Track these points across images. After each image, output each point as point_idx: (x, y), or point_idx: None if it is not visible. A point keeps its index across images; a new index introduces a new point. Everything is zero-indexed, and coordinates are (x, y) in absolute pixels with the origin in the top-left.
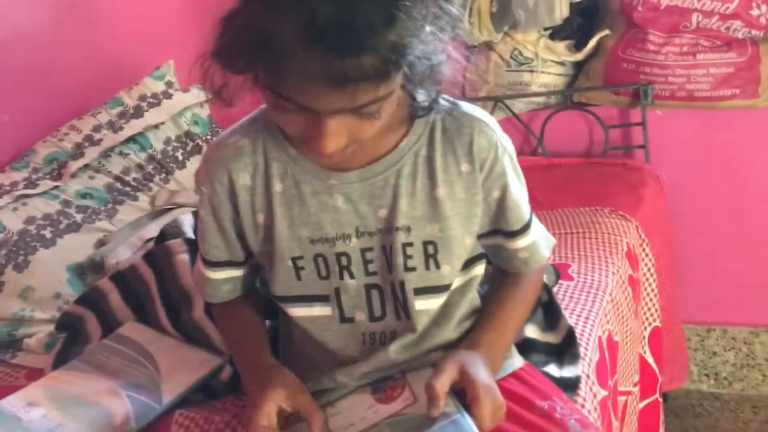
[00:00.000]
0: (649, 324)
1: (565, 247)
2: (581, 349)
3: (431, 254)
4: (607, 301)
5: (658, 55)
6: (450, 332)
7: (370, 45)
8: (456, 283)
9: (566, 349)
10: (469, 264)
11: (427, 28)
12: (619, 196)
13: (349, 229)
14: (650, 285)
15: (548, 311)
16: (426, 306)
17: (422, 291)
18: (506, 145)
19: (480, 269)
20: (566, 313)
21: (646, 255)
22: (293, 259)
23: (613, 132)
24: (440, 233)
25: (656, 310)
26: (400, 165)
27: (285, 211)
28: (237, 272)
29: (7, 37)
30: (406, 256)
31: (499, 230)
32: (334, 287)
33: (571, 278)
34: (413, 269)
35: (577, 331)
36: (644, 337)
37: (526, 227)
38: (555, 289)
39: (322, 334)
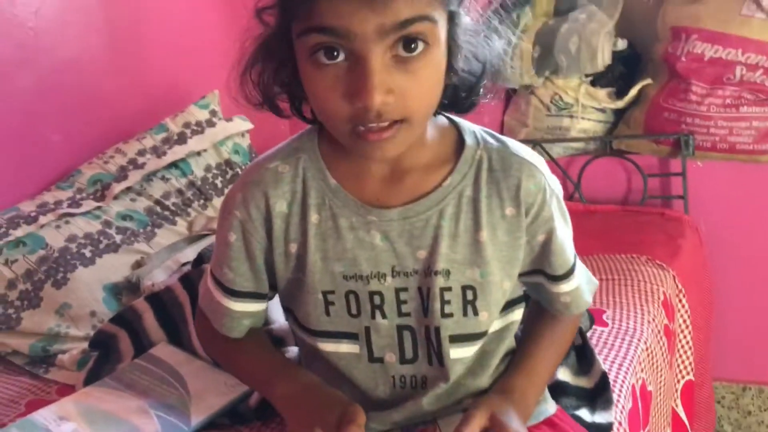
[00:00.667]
0: (683, 377)
1: (600, 292)
2: (614, 396)
3: (470, 300)
4: (642, 349)
5: (700, 106)
6: (485, 380)
7: None
8: (493, 328)
9: (599, 395)
10: (507, 308)
11: None
12: (656, 245)
13: (384, 268)
14: (685, 337)
15: (581, 355)
16: (461, 354)
17: (458, 338)
18: (554, 187)
19: (519, 314)
20: (600, 359)
21: (683, 306)
22: (324, 293)
23: (652, 181)
24: (480, 278)
25: (690, 363)
26: (443, 205)
27: (319, 243)
28: (260, 306)
29: (63, 61)
30: (444, 302)
31: (541, 271)
32: (365, 326)
33: (605, 324)
34: (450, 315)
35: (611, 378)
36: (677, 390)
37: (571, 272)
38: (589, 334)
39: (350, 371)
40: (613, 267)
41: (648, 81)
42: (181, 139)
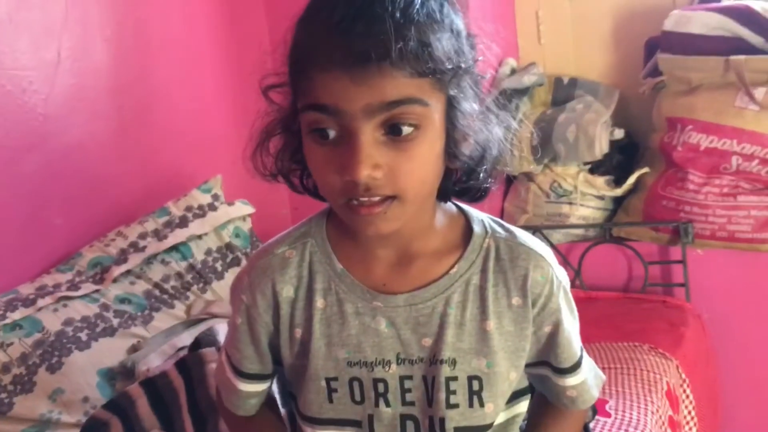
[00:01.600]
0: None
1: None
2: None
3: (476, 391)
4: None
5: (698, 195)
6: None
7: (393, 26)
8: (498, 419)
9: None
10: (512, 399)
11: (464, 49)
12: (658, 334)
13: (389, 355)
14: (691, 429)
15: None
16: None
17: (463, 430)
18: (562, 279)
19: (524, 406)
20: None
21: (687, 396)
22: (327, 380)
23: (653, 268)
24: (487, 369)
25: None
26: (449, 292)
27: (324, 328)
28: (264, 385)
29: (70, 146)
30: (449, 392)
31: (547, 363)
32: (368, 414)
33: (608, 415)
34: (456, 406)
35: None
36: None
37: (577, 365)
38: (592, 425)
39: None
40: (615, 356)
41: (646, 169)
42: (183, 222)
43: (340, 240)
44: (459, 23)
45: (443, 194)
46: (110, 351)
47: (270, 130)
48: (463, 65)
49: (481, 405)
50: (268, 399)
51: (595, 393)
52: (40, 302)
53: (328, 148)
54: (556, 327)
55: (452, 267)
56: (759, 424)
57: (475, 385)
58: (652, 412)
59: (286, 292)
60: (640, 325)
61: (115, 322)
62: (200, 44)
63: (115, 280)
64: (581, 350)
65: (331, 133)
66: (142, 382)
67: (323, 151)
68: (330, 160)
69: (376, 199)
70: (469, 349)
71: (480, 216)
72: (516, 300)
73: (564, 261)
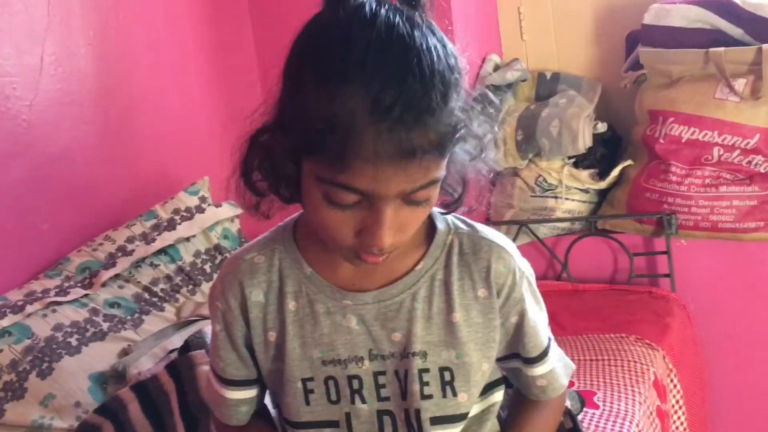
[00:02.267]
0: None
1: (590, 374)
2: None
3: (448, 381)
4: (635, 430)
5: (680, 186)
6: None
7: (434, 115)
8: (474, 410)
9: None
10: (487, 390)
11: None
12: (645, 324)
13: (362, 352)
14: (679, 418)
15: None
16: None
17: (439, 420)
18: (525, 269)
19: (499, 396)
20: None
21: (674, 386)
22: (303, 381)
23: (638, 259)
24: (456, 359)
25: None
26: (415, 288)
27: (297, 330)
28: (253, 392)
29: (55, 152)
30: (423, 383)
31: (517, 355)
32: (345, 412)
33: (596, 406)
34: (429, 397)
35: None
36: None
37: (544, 354)
38: (580, 417)
39: None
40: (602, 347)
41: (629, 162)
42: (171, 225)
43: (307, 245)
44: (460, 64)
45: None
46: (101, 355)
47: (254, 166)
48: (468, 120)
49: (454, 395)
50: (261, 409)
51: (564, 381)
52: (29, 308)
53: (345, 212)
54: (522, 316)
55: (417, 263)
56: (746, 412)
57: (447, 376)
58: (640, 403)
59: (255, 296)
60: (626, 316)
61: (105, 326)
62: (184, 46)
63: (104, 285)
64: (549, 340)
65: (350, 201)
66: (134, 386)
67: (337, 215)
68: (345, 222)
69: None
70: (438, 342)
71: (443, 212)
72: (482, 292)
73: (550, 254)
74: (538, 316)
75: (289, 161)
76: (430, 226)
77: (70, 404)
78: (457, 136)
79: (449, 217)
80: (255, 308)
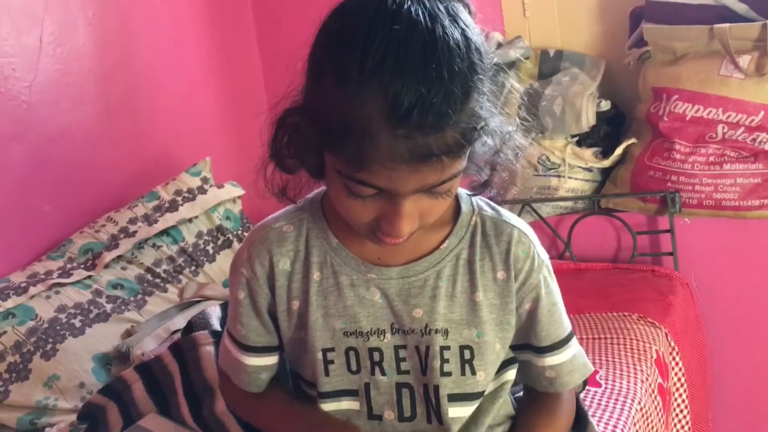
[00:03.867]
0: None
1: (593, 352)
2: None
3: (468, 359)
4: (636, 409)
5: (684, 164)
6: None
7: (452, 120)
8: (488, 389)
9: None
10: (500, 369)
11: (494, 107)
12: (647, 303)
13: (384, 325)
14: (681, 396)
15: (575, 419)
16: (459, 413)
17: (457, 398)
18: (544, 258)
19: (511, 374)
20: (593, 420)
21: (677, 364)
22: (324, 351)
23: (641, 238)
24: (477, 339)
25: (687, 423)
26: (440, 266)
27: (321, 300)
28: (274, 358)
29: (55, 133)
30: (443, 360)
31: (528, 345)
32: (364, 382)
33: (598, 385)
34: (449, 374)
35: None
36: None
37: (557, 346)
38: (582, 395)
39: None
40: (604, 325)
41: (632, 140)
42: (173, 206)
43: (335, 217)
44: (485, 58)
45: None
46: (104, 336)
47: (282, 155)
48: (490, 115)
49: (473, 373)
50: (278, 376)
51: (577, 378)
52: (32, 290)
53: (366, 202)
54: (536, 303)
55: (443, 242)
56: (748, 389)
57: (467, 354)
58: (642, 381)
59: (283, 264)
60: (629, 294)
61: (109, 307)
62: (185, 25)
63: (106, 266)
64: (569, 334)
65: (369, 194)
66: (137, 367)
67: (357, 203)
68: (365, 210)
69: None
70: (460, 320)
71: (468, 193)
72: (501, 274)
73: (553, 233)
74: (554, 305)
75: (313, 146)
76: (456, 207)
77: (74, 385)
78: (476, 134)
79: (474, 198)
80: (281, 277)
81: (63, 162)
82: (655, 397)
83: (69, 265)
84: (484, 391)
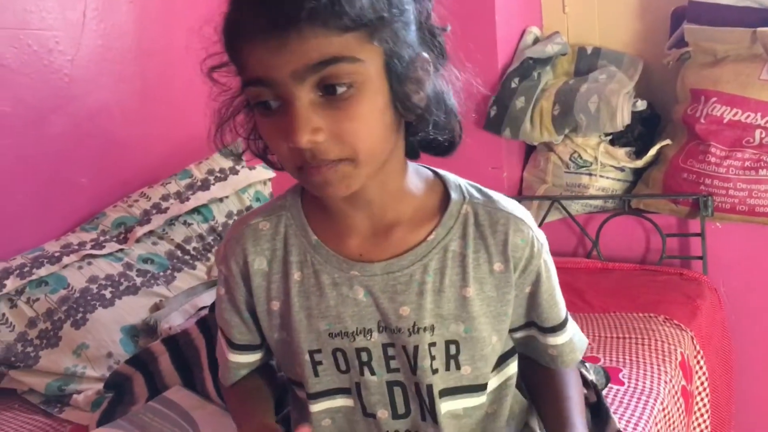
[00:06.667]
0: None
1: (617, 351)
2: None
3: (453, 355)
4: (659, 410)
5: (719, 168)
6: None
7: None
8: (490, 386)
9: None
10: (500, 363)
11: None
12: (674, 305)
13: (370, 324)
14: (702, 400)
15: (596, 413)
16: (452, 407)
17: (448, 392)
18: (542, 241)
19: (513, 367)
20: (615, 418)
21: (701, 368)
22: (311, 353)
23: (671, 240)
24: (464, 333)
25: (707, 427)
26: (427, 260)
27: (303, 301)
28: (256, 356)
29: (95, 108)
30: (432, 358)
31: (533, 323)
32: (355, 381)
33: (621, 383)
34: (436, 371)
35: None
36: None
37: (561, 326)
38: (604, 392)
39: (349, 426)
40: (630, 325)
41: (667, 141)
42: (205, 185)
43: (314, 212)
44: None
45: (409, 151)
46: (133, 309)
47: (229, 110)
48: (393, 14)
49: (458, 368)
50: (263, 367)
51: (578, 355)
52: (66, 260)
53: (274, 118)
54: (537, 287)
55: (429, 234)
56: None
57: (452, 350)
58: (666, 382)
59: (259, 264)
60: (656, 296)
61: (138, 281)
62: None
63: (138, 240)
64: (566, 312)
65: (273, 104)
66: (164, 340)
67: (269, 122)
68: (276, 129)
69: (325, 162)
70: (448, 315)
71: (457, 181)
72: (498, 266)
73: (582, 232)
74: (552, 286)
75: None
76: (444, 195)
77: (102, 354)
78: (354, 19)
79: (463, 185)
80: (258, 276)
81: (100, 137)
82: (678, 399)
83: (101, 238)
84: (483, 385)
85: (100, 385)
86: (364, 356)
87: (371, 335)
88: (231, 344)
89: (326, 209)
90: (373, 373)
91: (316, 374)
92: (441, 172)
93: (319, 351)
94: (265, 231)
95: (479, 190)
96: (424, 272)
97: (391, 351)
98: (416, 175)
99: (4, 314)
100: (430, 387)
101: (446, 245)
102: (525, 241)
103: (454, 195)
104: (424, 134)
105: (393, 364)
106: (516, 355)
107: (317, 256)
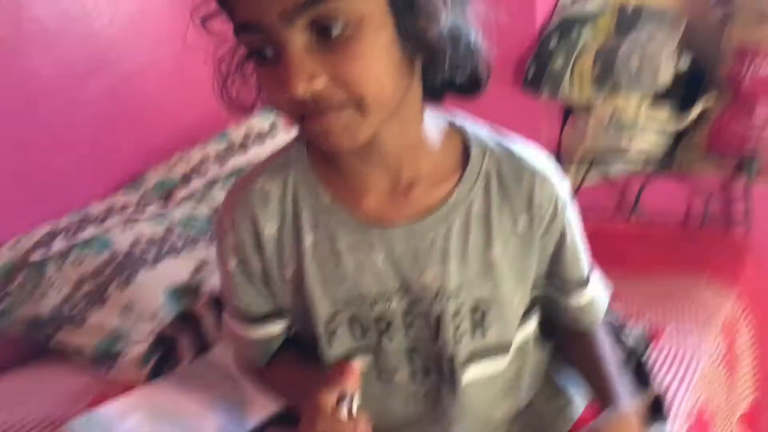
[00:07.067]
0: (745, 397)
1: (658, 313)
2: (669, 426)
3: (478, 320)
4: (701, 371)
5: (764, 129)
6: (521, 401)
7: None
8: (514, 344)
9: (653, 418)
10: (522, 321)
11: None
12: (717, 267)
13: (389, 291)
14: (747, 358)
15: (636, 377)
16: (473, 374)
17: (471, 357)
18: (565, 196)
19: (533, 323)
20: (656, 381)
21: (748, 331)
22: (326, 322)
23: (713, 203)
24: (490, 296)
25: (754, 384)
26: (449, 222)
27: (317, 267)
28: (280, 325)
29: (132, 71)
30: (456, 328)
31: (553, 284)
32: (372, 350)
33: (662, 346)
34: (460, 337)
35: (668, 401)
36: (738, 414)
37: (585, 283)
38: (645, 356)
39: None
40: (672, 288)
41: (710, 102)
42: (243, 148)
43: (324, 169)
44: None
45: (430, 91)
46: (176, 271)
47: (232, 63)
48: None
49: (483, 333)
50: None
51: (600, 316)
52: (109, 222)
53: (270, 67)
54: (561, 244)
55: (451, 193)
56: None
57: (478, 314)
58: (708, 344)
59: (269, 229)
60: (698, 259)
61: (180, 243)
62: None
63: (178, 203)
64: (590, 268)
65: (268, 52)
66: (208, 301)
67: (266, 71)
68: (273, 79)
69: (329, 108)
70: (473, 279)
71: (477, 132)
72: (522, 224)
73: (621, 194)
74: (577, 241)
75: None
76: (464, 148)
77: (146, 315)
78: None
79: (484, 135)
80: (269, 243)
81: (139, 98)
82: (721, 361)
83: (143, 200)
84: (508, 346)
85: (145, 346)
86: (383, 324)
87: (391, 303)
88: (251, 320)
89: (338, 166)
90: (391, 340)
91: (330, 344)
92: (458, 120)
93: (334, 320)
94: (273, 192)
95: (500, 142)
96: (446, 236)
97: (410, 319)
98: (433, 124)
99: (50, 277)
100: (449, 353)
101: (469, 205)
102: (550, 198)
103: (474, 148)
104: (441, 76)
105: (412, 332)
106: (536, 310)
107: (331, 219)
